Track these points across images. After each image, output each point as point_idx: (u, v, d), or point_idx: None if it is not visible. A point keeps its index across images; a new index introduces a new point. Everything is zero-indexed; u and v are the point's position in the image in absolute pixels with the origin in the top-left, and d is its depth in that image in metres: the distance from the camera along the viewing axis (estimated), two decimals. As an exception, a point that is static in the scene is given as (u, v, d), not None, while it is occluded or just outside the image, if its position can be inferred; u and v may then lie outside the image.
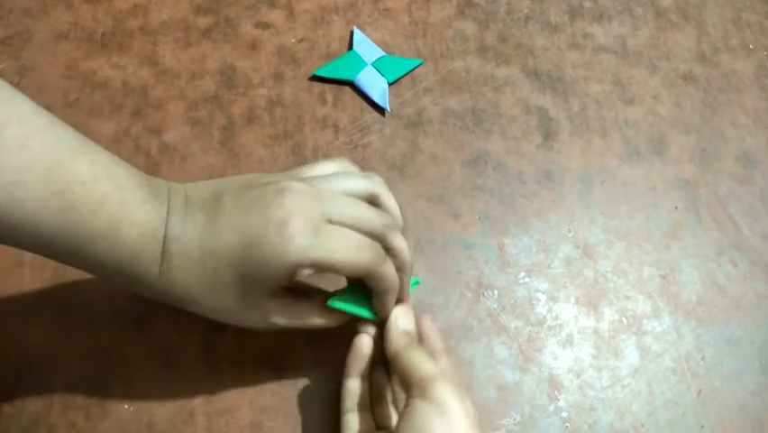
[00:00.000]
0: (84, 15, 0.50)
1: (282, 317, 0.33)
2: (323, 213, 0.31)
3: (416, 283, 0.39)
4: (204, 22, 0.50)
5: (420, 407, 0.29)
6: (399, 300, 0.35)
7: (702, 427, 0.38)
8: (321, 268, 0.31)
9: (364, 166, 0.45)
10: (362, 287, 0.35)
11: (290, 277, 0.31)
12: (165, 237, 0.30)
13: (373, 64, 0.48)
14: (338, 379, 0.38)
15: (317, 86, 0.48)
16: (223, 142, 0.45)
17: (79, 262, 0.30)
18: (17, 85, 0.46)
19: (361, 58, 0.48)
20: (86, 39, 0.49)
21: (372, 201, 0.34)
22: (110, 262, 0.30)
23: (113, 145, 0.44)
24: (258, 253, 0.30)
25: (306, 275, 0.31)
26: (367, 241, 0.32)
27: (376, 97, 0.47)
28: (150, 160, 0.44)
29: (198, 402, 0.37)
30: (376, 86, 0.47)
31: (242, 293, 0.31)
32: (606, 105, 0.49)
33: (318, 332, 0.39)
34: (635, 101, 0.49)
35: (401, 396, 0.36)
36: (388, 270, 0.33)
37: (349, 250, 0.31)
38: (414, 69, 0.49)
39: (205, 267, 0.31)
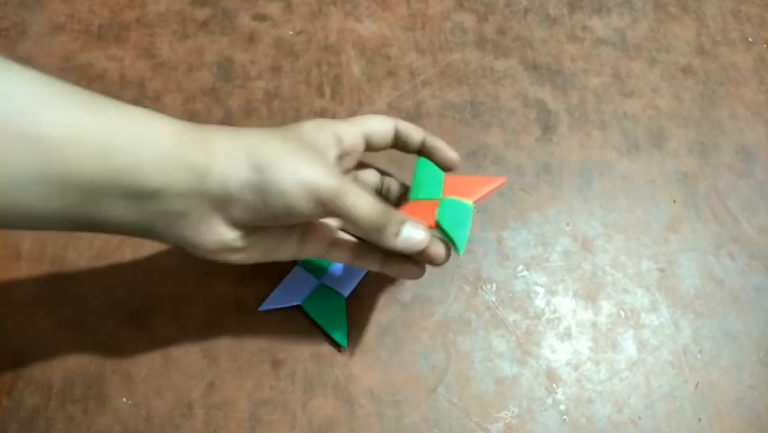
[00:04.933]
0: (80, 7, 0.49)
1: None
2: None
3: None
4: (201, 14, 0.50)
5: None
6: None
7: (700, 420, 0.39)
8: None
9: (362, 159, 0.45)
10: None
11: None
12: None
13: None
14: (335, 372, 0.38)
15: (315, 78, 0.48)
16: (220, 134, 0.45)
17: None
18: (13, 77, 0.46)
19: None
20: (83, 31, 0.48)
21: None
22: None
23: (110, 138, 0.44)
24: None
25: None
26: None
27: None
28: (148, 153, 0.44)
29: (197, 396, 0.37)
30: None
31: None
32: (605, 98, 0.49)
33: (316, 325, 0.39)
34: (634, 94, 0.49)
35: None
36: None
37: None
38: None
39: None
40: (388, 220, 0.31)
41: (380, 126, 0.36)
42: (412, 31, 0.50)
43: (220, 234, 0.30)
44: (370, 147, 0.36)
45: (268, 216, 0.30)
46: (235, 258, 0.32)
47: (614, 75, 0.50)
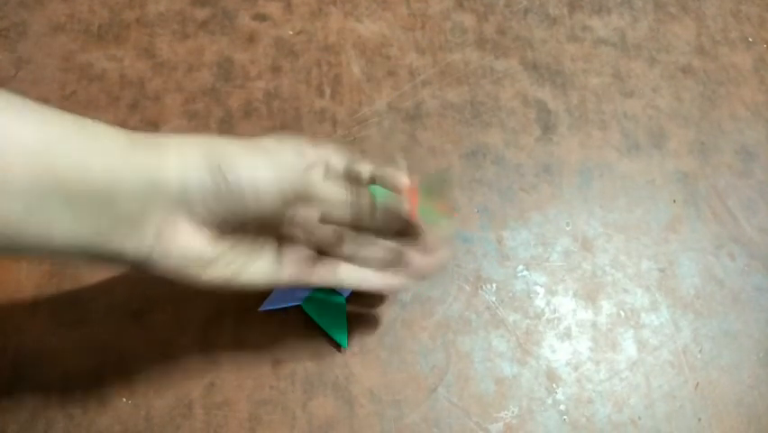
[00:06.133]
0: (80, 7, 0.49)
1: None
2: None
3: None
4: (201, 14, 0.50)
5: None
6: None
7: (700, 420, 0.39)
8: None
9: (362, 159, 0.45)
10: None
11: None
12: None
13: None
14: (335, 372, 0.38)
15: (315, 78, 0.48)
16: (220, 134, 0.45)
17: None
18: (13, 77, 0.46)
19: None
20: (83, 31, 0.48)
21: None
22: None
23: (110, 138, 0.44)
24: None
25: None
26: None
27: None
28: (148, 153, 0.44)
29: (197, 396, 0.37)
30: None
31: None
32: (605, 98, 0.49)
33: (316, 325, 0.39)
34: (634, 94, 0.49)
35: None
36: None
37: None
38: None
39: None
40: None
41: (335, 159, 0.34)
42: (412, 31, 0.50)
43: (186, 242, 0.29)
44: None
45: (233, 207, 0.29)
46: (205, 276, 0.30)
47: (614, 75, 0.50)
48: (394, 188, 0.36)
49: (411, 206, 0.34)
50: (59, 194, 0.26)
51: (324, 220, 0.32)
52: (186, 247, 0.29)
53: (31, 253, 0.27)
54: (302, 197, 0.31)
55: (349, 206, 0.32)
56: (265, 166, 0.30)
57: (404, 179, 0.36)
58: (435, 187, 0.35)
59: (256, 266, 0.32)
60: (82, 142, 0.27)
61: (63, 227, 0.26)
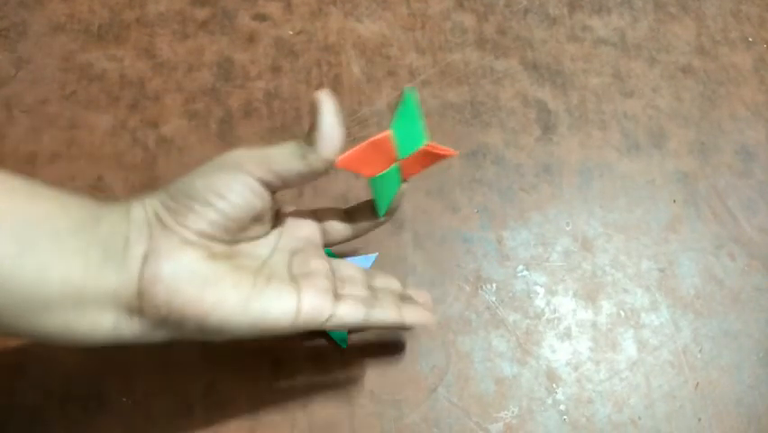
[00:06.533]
0: (80, 7, 0.49)
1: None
2: None
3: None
4: (201, 14, 0.50)
5: None
6: None
7: (700, 419, 0.39)
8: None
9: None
10: None
11: None
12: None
13: None
14: (335, 372, 0.38)
15: (315, 78, 0.48)
16: (220, 134, 0.45)
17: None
18: (13, 77, 0.46)
19: None
20: (83, 31, 0.48)
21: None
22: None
23: (110, 138, 0.44)
24: None
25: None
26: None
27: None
28: (148, 153, 0.44)
29: (197, 396, 0.37)
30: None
31: None
32: (605, 98, 0.49)
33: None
34: (634, 94, 0.49)
35: None
36: None
37: None
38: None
39: None
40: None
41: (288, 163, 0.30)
42: (412, 31, 0.50)
43: (174, 260, 0.28)
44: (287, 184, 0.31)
45: (207, 216, 0.29)
46: (208, 299, 0.28)
47: (614, 75, 0.50)
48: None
49: (390, 156, 0.32)
50: (48, 230, 0.26)
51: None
52: (174, 265, 0.28)
53: (29, 311, 0.26)
54: (274, 181, 0.30)
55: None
56: (217, 168, 0.29)
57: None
58: (407, 123, 0.32)
59: (270, 291, 0.30)
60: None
61: (57, 267, 0.26)
